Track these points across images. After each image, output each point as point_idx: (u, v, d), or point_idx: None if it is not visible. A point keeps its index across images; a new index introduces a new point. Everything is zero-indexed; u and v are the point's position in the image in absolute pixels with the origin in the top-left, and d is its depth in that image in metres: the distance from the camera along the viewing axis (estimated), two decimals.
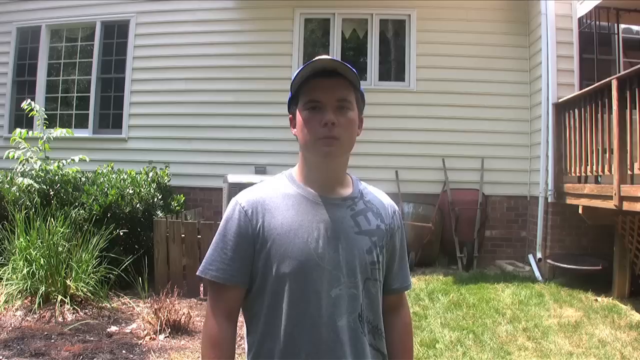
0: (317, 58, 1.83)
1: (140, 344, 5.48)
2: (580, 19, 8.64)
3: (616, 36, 9.16)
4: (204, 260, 1.88)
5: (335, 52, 9.74)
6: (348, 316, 1.82)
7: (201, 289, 7.11)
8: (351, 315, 1.83)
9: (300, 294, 1.79)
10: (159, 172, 8.75)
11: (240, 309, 1.92)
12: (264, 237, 1.82)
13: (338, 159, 1.90)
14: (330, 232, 1.84)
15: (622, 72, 6.72)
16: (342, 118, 1.82)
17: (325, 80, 1.83)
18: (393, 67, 10.15)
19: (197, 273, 1.90)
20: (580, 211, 7.29)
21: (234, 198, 1.93)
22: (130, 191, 7.62)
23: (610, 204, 6.36)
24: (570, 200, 7.72)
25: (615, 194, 6.22)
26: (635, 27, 9.51)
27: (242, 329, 1.96)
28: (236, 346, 1.94)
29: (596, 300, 6.96)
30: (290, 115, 1.97)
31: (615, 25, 9.10)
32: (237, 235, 1.85)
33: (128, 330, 5.87)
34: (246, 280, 1.85)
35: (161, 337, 5.62)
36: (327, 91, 1.83)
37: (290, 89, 1.93)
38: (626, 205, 6.10)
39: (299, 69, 1.84)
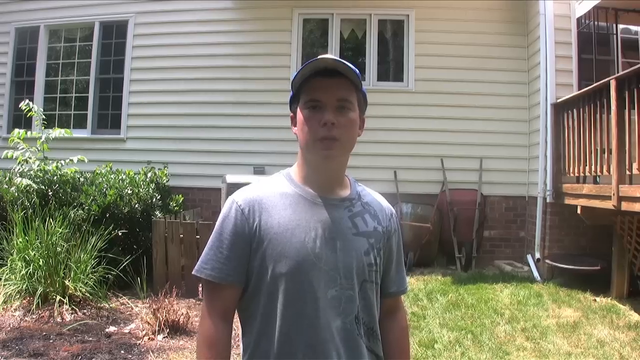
0: (319, 57, 1.81)
1: (139, 344, 5.48)
2: (578, 19, 8.64)
3: (615, 36, 9.17)
4: (199, 259, 1.86)
5: (334, 52, 9.70)
6: (344, 318, 1.81)
7: (200, 289, 7.09)
8: (347, 317, 1.82)
9: (296, 294, 1.77)
10: (157, 173, 8.76)
11: (236, 310, 1.90)
12: (261, 236, 1.80)
13: (338, 160, 1.88)
14: (328, 232, 1.82)
15: (621, 72, 6.73)
16: (342, 118, 1.80)
17: (327, 80, 1.81)
18: (392, 68, 10.16)
19: (192, 272, 1.87)
20: (578, 211, 7.29)
21: (230, 196, 1.91)
22: (129, 191, 7.62)
23: (609, 204, 6.36)
24: (568, 201, 7.72)
25: (613, 194, 6.22)
26: (634, 28, 9.51)
27: (239, 330, 1.95)
28: (233, 347, 1.93)
29: (595, 300, 6.96)
30: (292, 114, 1.95)
31: (614, 25, 9.11)
32: (233, 234, 1.82)
33: (127, 331, 5.87)
34: (242, 280, 1.83)
35: (160, 337, 5.62)
36: (328, 91, 1.81)
37: (291, 87, 1.91)
38: (625, 206, 6.10)
39: (301, 67, 1.82)
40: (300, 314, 1.77)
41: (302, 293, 1.77)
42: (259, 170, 9.34)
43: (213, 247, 1.85)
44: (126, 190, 7.61)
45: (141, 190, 7.81)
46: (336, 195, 1.91)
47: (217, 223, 1.88)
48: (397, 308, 2.11)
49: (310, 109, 1.82)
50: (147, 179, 8.33)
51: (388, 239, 1.98)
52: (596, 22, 8.88)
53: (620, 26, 9.21)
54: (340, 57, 1.83)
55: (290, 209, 1.84)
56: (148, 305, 6.11)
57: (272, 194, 1.87)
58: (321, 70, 1.81)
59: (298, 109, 1.88)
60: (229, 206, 1.87)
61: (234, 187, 7.36)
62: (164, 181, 8.85)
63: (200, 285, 6.96)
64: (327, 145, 1.80)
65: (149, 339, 5.60)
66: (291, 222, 1.81)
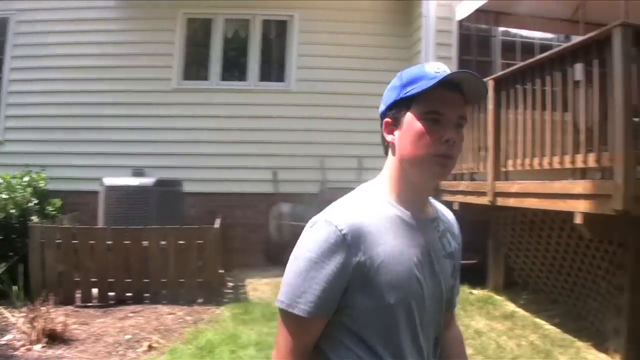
0: (457, 71, 1.63)
1: (16, 355, 5.27)
2: (460, 22, 8.93)
3: (495, 39, 9.53)
4: (287, 291, 1.60)
5: (216, 53, 9.72)
6: (428, 341, 1.68)
7: (77, 295, 6.91)
8: (432, 340, 1.71)
9: (395, 322, 1.59)
10: (34, 176, 8.42)
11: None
12: (365, 267, 1.56)
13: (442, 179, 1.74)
14: (427, 256, 1.66)
15: (499, 73, 7.00)
16: (458, 136, 1.64)
17: (453, 94, 1.63)
18: (275, 68, 10.18)
19: (281, 307, 1.60)
20: (456, 207, 7.53)
21: (325, 218, 1.63)
22: (5, 196, 7.31)
23: (485, 200, 6.63)
24: (446, 197, 7.91)
25: (489, 190, 6.48)
26: (513, 30, 9.86)
27: None
28: None
29: (472, 292, 7.23)
30: (388, 119, 1.78)
31: (495, 28, 9.45)
32: (333, 264, 1.56)
33: (3, 342, 5.63)
34: (333, 310, 1.59)
35: (37, 347, 5.42)
36: (452, 106, 1.63)
37: (400, 88, 1.71)
38: (500, 201, 6.37)
39: (438, 76, 1.59)
40: (391, 343, 1.60)
41: (402, 322, 1.60)
42: (138, 172, 9.03)
43: (307, 276, 1.57)
44: (2, 195, 7.30)
45: (17, 194, 7.50)
46: (426, 214, 1.76)
47: (309, 247, 1.60)
48: (452, 318, 2.01)
49: (431, 121, 1.61)
50: (24, 183, 7.99)
51: (460, 256, 1.91)
52: (478, 25, 9.21)
53: (500, 29, 9.56)
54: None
55: (392, 233, 1.63)
56: (25, 314, 5.88)
57: (374, 217, 1.64)
58: (447, 82, 1.61)
59: (411, 118, 1.66)
60: (327, 230, 1.59)
61: (111, 190, 7.20)
62: (42, 185, 8.49)
63: (79, 291, 6.81)
64: (444, 163, 1.62)
65: (26, 349, 5.39)
66: (395, 248, 1.60)
